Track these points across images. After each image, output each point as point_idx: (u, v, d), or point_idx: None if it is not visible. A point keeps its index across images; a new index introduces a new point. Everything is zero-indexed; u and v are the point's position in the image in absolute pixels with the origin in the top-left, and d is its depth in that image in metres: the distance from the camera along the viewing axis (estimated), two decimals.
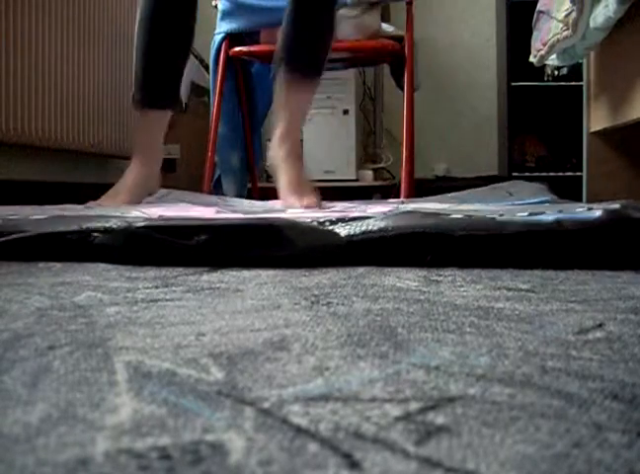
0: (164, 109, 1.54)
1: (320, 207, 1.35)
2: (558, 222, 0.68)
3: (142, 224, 0.71)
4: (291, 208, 1.33)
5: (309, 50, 1.50)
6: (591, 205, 0.76)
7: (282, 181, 1.45)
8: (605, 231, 0.66)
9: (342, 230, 0.72)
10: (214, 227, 0.69)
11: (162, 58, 1.52)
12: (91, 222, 0.78)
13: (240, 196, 2.20)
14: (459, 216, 0.76)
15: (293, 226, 0.70)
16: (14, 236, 0.70)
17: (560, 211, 0.73)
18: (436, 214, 0.79)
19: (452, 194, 1.57)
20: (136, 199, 1.45)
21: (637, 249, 0.66)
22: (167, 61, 1.53)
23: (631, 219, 0.66)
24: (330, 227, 0.77)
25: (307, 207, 1.33)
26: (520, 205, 1.23)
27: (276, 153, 1.48)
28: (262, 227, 0.69)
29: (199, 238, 0.68)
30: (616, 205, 0.70)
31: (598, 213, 0.68)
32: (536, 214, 0.72)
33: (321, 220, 0.81)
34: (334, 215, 0.86)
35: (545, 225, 0.68)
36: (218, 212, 1.18)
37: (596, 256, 0.66)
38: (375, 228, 0.71)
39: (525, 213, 0.74)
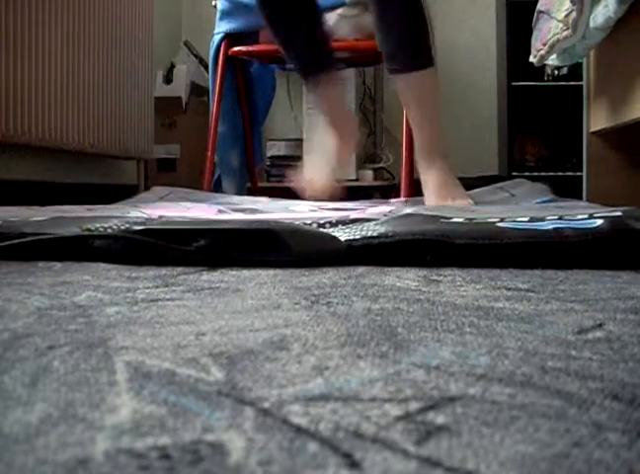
0: (328, 70, 1.60)
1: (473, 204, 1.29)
2: (558, 231, 0.67)
3: (141, 228, 0.71)
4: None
5: (407, 38, 1.43)
6: (592, 210, 0.75)
7: (429, 187, 1.40)
8: (606, 241, 0.66)
9: (342, 234, 0.72)
10: (213, 232, 0.69)
11: (297, 33, 1.57)
12: (90, 223, 0.78)
13: (240, 195, 2.20)
14: (460, 220, 0.76)
15: (293, 231, 0.70)
16: (13, 241, 0.70)
17: (560, 217, 0.72)
18: (436, 218, 0.78)
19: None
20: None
21: (637, 255, 0.66)
22: (303, 34, 1.58)
23: (632, 231, 0.66)
24: (330, 229, 0.77)
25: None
26: (521, 206, 1.23)
27: (419, 159, 1.44)
28: (261, 232, 0.69)
29: (197, 244, 0.68)
30: (618, 214, 0.69)
31: (598, 223, 0.67)
32: (537, 220, 0.72)
33: (321, 222, 0.81)
34: (334, 217, 0.86)
35: (545, 235, 0.67)
36: (220, 212, 1.18)
37: (595, 259, 0.66)
38: (375, 234, 0.70)
39: (526, 218, 0.73)
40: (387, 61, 1.45)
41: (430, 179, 1.41)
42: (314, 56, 1.59)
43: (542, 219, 0.72)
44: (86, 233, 0.74)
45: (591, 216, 0.70)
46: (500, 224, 0.72)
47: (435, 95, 1.46)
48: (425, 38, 1.43)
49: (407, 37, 1.42)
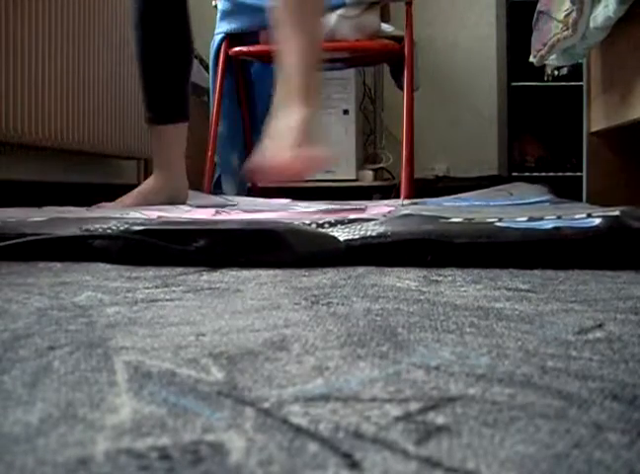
0: (174, 122, 1.49)
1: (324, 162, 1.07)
2: (557, 230, 0.67)
3: (140, 228, 0.71)
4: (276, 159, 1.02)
5: None
6: (590, 210, 0.75)
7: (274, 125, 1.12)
8: (604, 240, 0.66)
9: (341, 234, 0.72)
10: (213, 232, 0.69)
11: (160, 70, 1.47)
12: (90, 224, 0.78)
13: (240, 195, 2.20)
14: (459, 220, 0.76)
15: (293, 231, 0.70)
16: (12, 241, 0.70)
17: (559, 217, 0.72)
18: (435, 218, 0.79)
19: (454, 196, 1.57)
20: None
21: (636, 254, 0.66)
22: (166, 72, 1.48)
23: (631, 229, 0.66)
24: (329, 229, 0.77)
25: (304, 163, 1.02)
26: (520, 205, 1.23)
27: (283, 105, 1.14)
28: (261, 232, 0.69)
29: (197, 244, 0.68)
30: (616, 213, 0.69)
31: (596, 222, 0.68)
32: (536, 220, 0.72)
33: (320, 222, 0.81)
34: (333, 217, 0.86)
35: (544, 234, 0.67)
36: (218, 214, 1.18)
37: (595, 259, 0.66)
38: (374, 234, 0.70)
39: (525, 218, 0.73)
40: None
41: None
42: (171, 97, 1.48)
43: (541, 218, 0.72)
44: (85, 233, 0.74)
45: (589, 215, 0.71)
46: (498, 224, 0.72)
47: (320, 17, 1.21)
48: None
49: None
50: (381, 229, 0.71)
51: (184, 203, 1.50)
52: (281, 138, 1.07)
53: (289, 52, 1.14)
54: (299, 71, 1.13)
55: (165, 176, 1.50)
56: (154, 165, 1.54)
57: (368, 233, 0.71)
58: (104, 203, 1.41)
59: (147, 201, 1.46)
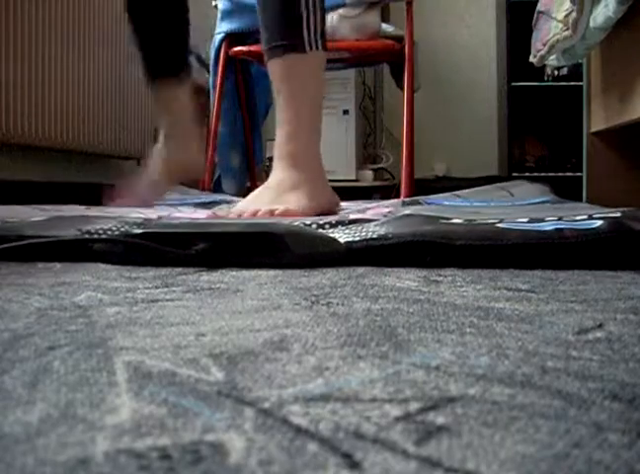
0: (177, 76, 1.44)
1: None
2: (557, 232, 0.67)
3: (140, 231, 0.71)
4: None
5: (273, 15, 1.14)
6: (591, 212, 0.75)
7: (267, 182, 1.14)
8: (605, 242, 0.66)
9: (341, 235, 0.72)
10: (213, 235, 0.69)
11: (155, 17, 1.43)
12: (89, 225, 0.78)
13: (240, 195, 2.20)
14: (460, 221, 0.76)
15: (293, 234, 0.70)
16: (12, 244, 0.70)
17: (560, 219, 0.72)
18: (436, 219, 0.78)
19: (456, 192, 1.57)
20: (163, 192, 1.40)
21: (636, 254, 0.66)
22: (162, 22, 1.44)
23: (632, 231, 0.66)
24: (329, 230, 0.77)
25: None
26: (521, 206, 1.23)
27: (276, 159, 1.15)
28: (261, 235, 0.69)
29: (197, 247, 0.68)
30: (617, 215, 0.69)
31: (597, 223, 0.68)
32: (537, 221, 0.72)
33: (320, 223, 0.81)
34: (334, 218, 0.86)
35: (545, 236, 0.67)
36: (216, 216, 1.18)
37: (595, 260, 0.66)
38: (375, 235, 0.70)
39: (526, 219, 0.73)
40: (264, 35, 1.15)
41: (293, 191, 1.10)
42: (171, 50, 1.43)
43: (542, 220, 0.72)
44: (86, 236, 0.74)
45: (590, 217, 0.70)
46: (499, 225, 0.72)
47: (313, 87, 1.15)
48: (304, 13, 1.11)
49: (282, 9, 1.12)
50: (382, 231, 0.71)
51: (199, 178, 1.46)
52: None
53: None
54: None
55: (177, 146, 1.42)
56: (164, 135, 1.45)
57: (369, 235, 0.71)
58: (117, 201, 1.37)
59: (164, 184, 1.43)
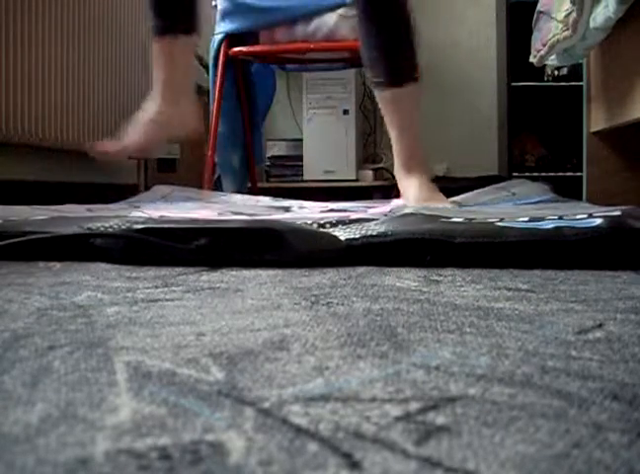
0: (185, 34, 1.41)
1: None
2: (557, 230, 0.67)
3: (142, 227, 0.71)
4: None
5: (388, 55, 1.38)
6: (591, 210, 0.75)
7: (409, 196, 1.37)
8: (605, 240, 0.66)
9: (342, 233, 0.72)
10: (214, 231, 0.69)
11: None
12: (91, 223, 0.78)
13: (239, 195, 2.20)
14: (460, 220, 0.76)
15: (293, 231, 0.70)
16: (14, 240, 0.70)
17: (560, 217, 0.72)
18: (436, 217, 0.78)
19: (455, 198, 1.56)
20: (154, 141, 1.37)
21: (636, 254, 0.66)
22: None
23: (632, 229, 0.66)
24: (330, 229, 0.77)
25: None
26: (521, 205, 1.23)
27: (397, 173, 1.42)
28: (262, 231, 0.69)
29: (198, 242, 0.68)
30: (617, 213, 0.69)
31: (598, 222, 0.68)
32: (536, 220, 0.72)
33: (321, 222, 0.81)
34: (334, 217, 0.86)
35: (545, 234, 0.67)
36: (220, 215, 1.18)
37: (595, 260, 0.66)
38: (375, 233, 0.70)
39: (526, 218, 0.73)
40: (369, 72, 1.41)
41: (409, 189, 1.39)
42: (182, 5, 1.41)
43: (542, 219, 0.72)
44: (87, 232, 0.74)
45: (590, 216, 0.70)
46: (499, 224, 0.72)
47: (416, 110, 1.42)
48: (410, 51, 1.36)
49: (391, 49, 1.37)
50: (382, 229, 0.71)
51: (195, 131, 1.43)
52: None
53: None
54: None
55: (173, 96, 1.41)
56: (159, 92, 1.42)
57: (370, 232, 0.71)
58: (105, 143, 1.35)
59: (171, 130, 1.41)
